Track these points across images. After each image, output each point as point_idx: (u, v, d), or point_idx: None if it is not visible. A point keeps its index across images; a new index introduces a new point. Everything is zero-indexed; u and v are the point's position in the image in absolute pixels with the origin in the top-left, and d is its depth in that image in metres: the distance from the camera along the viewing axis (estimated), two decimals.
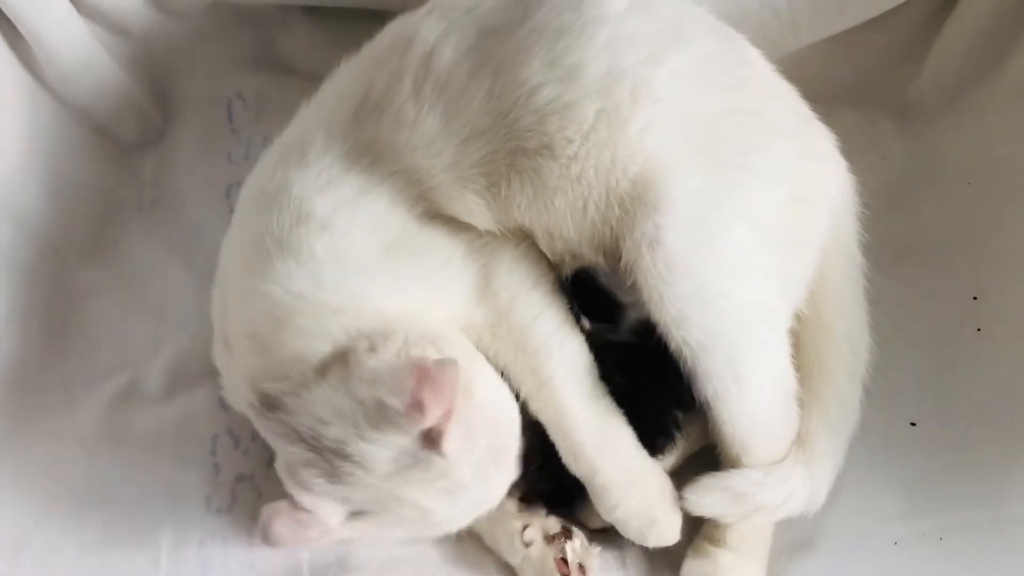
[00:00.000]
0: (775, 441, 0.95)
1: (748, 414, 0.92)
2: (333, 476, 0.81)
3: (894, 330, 1.10)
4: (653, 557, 1.01)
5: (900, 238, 1.19)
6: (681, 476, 0.98)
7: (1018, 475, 1.00)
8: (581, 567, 0.95)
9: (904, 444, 1.06)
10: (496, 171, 0.89)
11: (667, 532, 0.94)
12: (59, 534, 1.00)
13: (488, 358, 0.91)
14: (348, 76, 0.98)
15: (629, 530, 0.94)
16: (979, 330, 1.11)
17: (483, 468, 0.84)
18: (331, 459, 0.80)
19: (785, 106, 0.99)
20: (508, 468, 0.87)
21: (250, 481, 1.03)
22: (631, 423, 0.95)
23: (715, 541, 0.97)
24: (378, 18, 1.01)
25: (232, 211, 1.01)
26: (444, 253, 0.91)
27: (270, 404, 0.84)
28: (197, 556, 0.98)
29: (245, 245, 0.92)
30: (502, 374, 0.91)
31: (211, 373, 1.03)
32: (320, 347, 0.84)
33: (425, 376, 0.76)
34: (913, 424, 1.08)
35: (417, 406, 0.77)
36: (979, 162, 1.23)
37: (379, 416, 0.79)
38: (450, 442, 0.79)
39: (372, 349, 0.82)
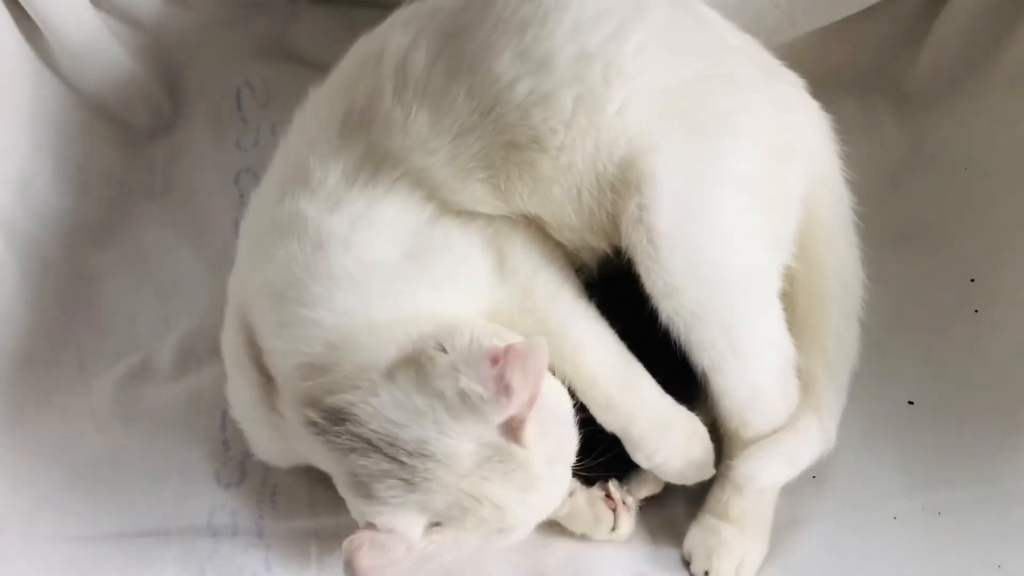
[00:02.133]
0: (774, 412, 0.96)
1: (747, 384, 0.93)
2: (411, 482, 0.79)
3: (893, 311, 1.12)
4: (656, 531, 1.02)
5: (899, 222, 1.21)
6: None
7: (1015, 453, 1.01)
8: (623, 501, 0.98)
9: (902, 422, 1.07)
10: (494, 164, 0.90)
11: (705, 469, 0.96)
12: (72, 508, 1.02)
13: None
14: (323, 100, 0.98)
15: (671, 473, 0.95)
16: (977, 311, 1.13)
17: (552, 463, 0.83)
18: (410, 463, 0.78)
19: (750, 60, 0.99)
20: (568, 465, 0.86)
21: None
22: None
23: (718, 514, 0.98)
24: (384, 8, 1.02)
25: (241, 196, 1.02)
26: (462, 245, 0.92)
27: (336, 418, 0.81)
28: (207, 529, 1.00)
29: (271, 279, 0.90)
30: None
31: (220, 352, 1.04)
32: (387, 353, 0.82)
33: (514, 357, 0.76)
34: (911, 403, 1.09)
35: (505, 389, 0.76)
36: (976, 148, 1.24)
37: (462, 406, 0.78)
38: (530, 430, 0.79)
39: (441, 348, 0.82)
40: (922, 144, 1.29)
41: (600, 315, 0.94)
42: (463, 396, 0.78)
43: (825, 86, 1.06)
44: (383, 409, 0.79)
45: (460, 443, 0.79)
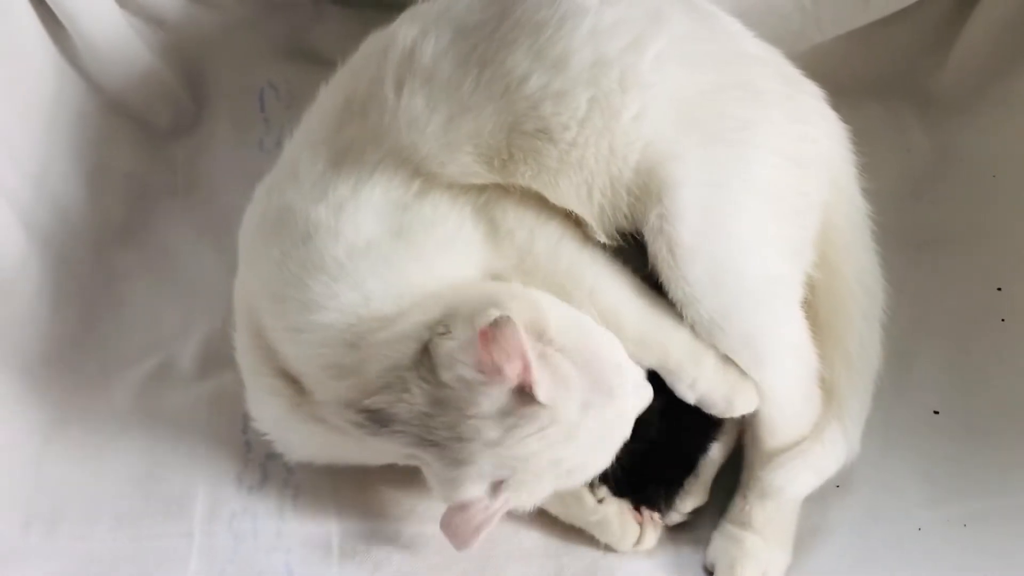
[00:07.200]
0: (797, 421, 0.96)
1: (770, 392, 0.93)
2: (457, 459, 0.81)
3: (918, 320, 1.12)
4: (679, 540, 1.01)
5: (924, 229, 1.21)
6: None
7: None
8: (651, 517, 0.98)
9: (928, 432, 1.07)
10: (487, 142, 0.89)
11: (750, 398, 0.94)
12: (94, 508, 1.02)
13: None
14: (327, 95, 0.99)
15: (718, 403, 0.94)
16: (1003, 320, 1.12)
17: (588, 406, 0.82)
18: (449, 445, 0.81)
19: (770, 71, 0.98)
20: (613, 392, 0.84)
21: (280, 458, 1.03)
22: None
23: (741, 524, 0.98)
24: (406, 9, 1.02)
25: None
26: (454, 218, 0.91)
27: (380, 419, 0.83)
28: (228, 530, 1.00)
29: (269, 279, 0.91)
30: None
31: None
32: (408, 348, 0.83)
33: (487, 341, 0.77)
34: (936, 412, 1.08)
35: (496, 370, 0.78)
36: (1003, 154, 1.23)
37: (470, 391, 0.80)
38: (543, 389, 0.79)
39: (446, 333, 0.82)
40: (948, 149, 1.28)
41: (612, 258, 0.93)
42: (465, 383, 0.80)
43: (851, 91, 1.06)
44: (416, 404, 0.81)
45: (482, 422, 0.80)
